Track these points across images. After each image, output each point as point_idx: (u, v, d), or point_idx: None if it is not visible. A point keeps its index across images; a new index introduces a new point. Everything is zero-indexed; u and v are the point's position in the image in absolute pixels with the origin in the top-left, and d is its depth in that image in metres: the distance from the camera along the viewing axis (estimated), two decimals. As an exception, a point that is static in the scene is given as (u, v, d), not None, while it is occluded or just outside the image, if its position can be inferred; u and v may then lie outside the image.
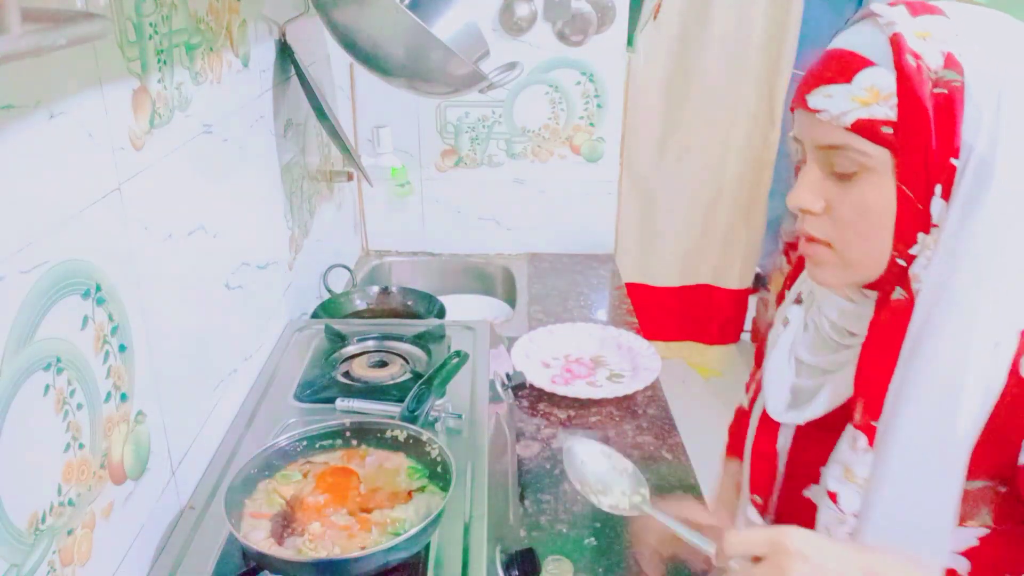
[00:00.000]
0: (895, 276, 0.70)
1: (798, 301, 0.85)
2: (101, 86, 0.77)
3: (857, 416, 0.72)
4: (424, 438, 0.93)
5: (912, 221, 0.67)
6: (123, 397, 0.81)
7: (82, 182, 0.74)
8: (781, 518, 0.85)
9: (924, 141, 0.64)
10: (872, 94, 0.65)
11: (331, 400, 1.12)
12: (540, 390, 1.44)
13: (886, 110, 0.64)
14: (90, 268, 0.75)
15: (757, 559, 0.64)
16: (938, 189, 0.65)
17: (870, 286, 0.73)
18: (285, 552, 0.80)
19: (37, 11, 0.44)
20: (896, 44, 0.64)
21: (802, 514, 0.79)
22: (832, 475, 0.74)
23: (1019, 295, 0.65)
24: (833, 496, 0.74)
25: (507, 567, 0.88)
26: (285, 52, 1.39)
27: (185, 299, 0.98)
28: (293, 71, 1.41)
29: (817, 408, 0.77)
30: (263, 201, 1.32)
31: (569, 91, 1.99)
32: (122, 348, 0.81)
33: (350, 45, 1.33)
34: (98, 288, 0.76)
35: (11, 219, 0.64)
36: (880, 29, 0.66)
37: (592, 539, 1.11)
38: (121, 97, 0.81)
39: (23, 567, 0.65)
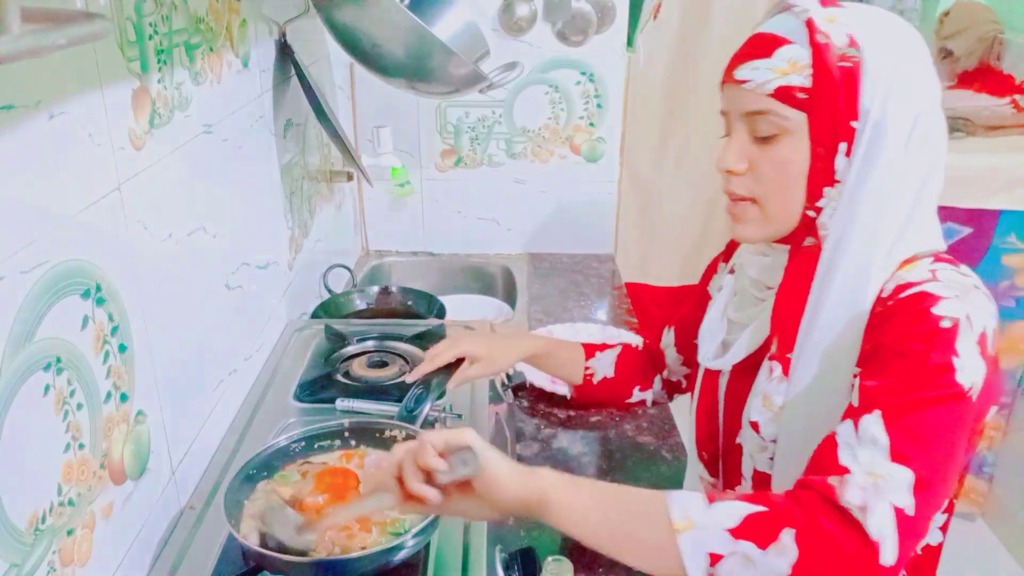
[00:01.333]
0: (806, 227, 0.82)
1: (731, 272, 0.98)
2: (101, 86, 0.77)
3: (773, 348, 0.83)
4: (424, 438, 0.93)
5: (821, 177, 0.79)
6: (123, 397, 0.81)
7: (82, 182, 0.74)
8: (724, 466, 0.95)
9: (833, 104, 0.76)
10: (790, 65, 0.77)
11: (331, 400, 1.12)
12: (540, 390, 1.44)
13: (801, 79, 0.77)
14: (90, 268, 0.75)
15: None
16: (842, 148, 0.77)
17: (784, 240, 0.84)
18: (285, 552, 0.80)
19: (37, 11, 0.44)
20: (810, 25, 0.77)
21: (738, 461, 0.90)
22: (754, 407, 0.85)
23: (901, 234, 0.78)
24: (755, 425, 0.85)
25: (507, 567, 0.88)
26: (285, 52, 1.39)
27: (185, 299, 0.98)
28: (293, 71, 1.41)
29: (740, 350, 0.89)
30: (263, 201, 1.32)
31: (569, 91, 1.99)
32: (122, 348, 0.81)
33: (350, 45, 1.33)
34: (98, 288, 0.76)
35: (11, 219, 0.64)
36: (795, 16, 0.79)
37: (592, 539, 1.10)
38: (121, 97, 0.81)
39: (23, 567, 0.65)
